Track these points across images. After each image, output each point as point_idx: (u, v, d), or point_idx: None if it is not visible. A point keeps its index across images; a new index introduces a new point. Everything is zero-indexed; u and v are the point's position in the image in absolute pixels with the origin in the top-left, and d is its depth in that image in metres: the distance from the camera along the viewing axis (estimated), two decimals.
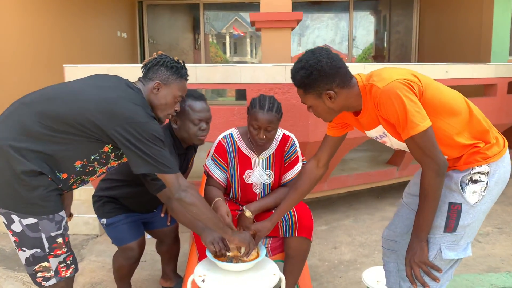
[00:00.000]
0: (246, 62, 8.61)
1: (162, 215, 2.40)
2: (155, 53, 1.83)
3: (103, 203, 2.25)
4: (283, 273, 2.15)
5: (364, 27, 8.20)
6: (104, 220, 2.25)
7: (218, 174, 2.22)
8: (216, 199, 2.08)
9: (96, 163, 1.66)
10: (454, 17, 6.07)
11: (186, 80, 1.83)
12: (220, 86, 3.21)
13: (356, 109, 1.66)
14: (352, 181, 3.81)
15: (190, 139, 2.15)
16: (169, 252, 2.53)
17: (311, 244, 2.20)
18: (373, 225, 3.71)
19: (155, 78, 1.75)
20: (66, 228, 1.66)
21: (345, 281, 2.74)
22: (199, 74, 3.01)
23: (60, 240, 1.60)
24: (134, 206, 2.28)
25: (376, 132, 1.69)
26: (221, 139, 2.24)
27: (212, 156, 2.24)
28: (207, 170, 2.24)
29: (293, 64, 1.59)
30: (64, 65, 2.99)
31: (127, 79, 1.74)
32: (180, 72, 1.78)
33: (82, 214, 3.39)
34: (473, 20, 5.52)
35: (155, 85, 1.74)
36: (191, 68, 3.06)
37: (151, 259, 2.96)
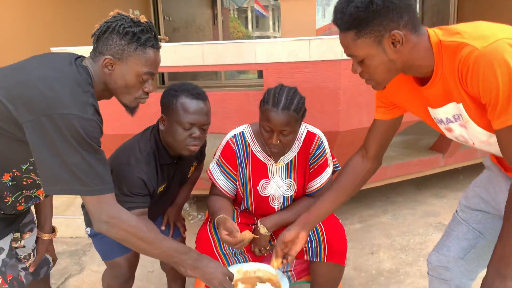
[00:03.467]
0: (268, 37, 8.10)
1: (163, 227, 1.99)
2: (111, 13, 1.32)
3: None
4: None
5: None
6: (88, 230, 1.87)
7: (224, 184, 1.78)
8: (221, 215, 1.64)
9: (32, 174, 1.23)
10: None
11: (156, 48, 1.30)
12: (232, 68, 2.74)
13: (422, 72, 1.16)
14: (390, 173, 3.30)
15: (176, 147, 1.68)
16: (174, 270, 2.11)
17: (344, 269, 1.74)
18: (415, 222, 3.20)
19: (105, 52, 1.25)
20: (10, 264, 1.26)
21: None
22: (206, 53, 2.53)
23: None
24: None
25: (446, 113, 1.19)
26: (230, 139, 1.77)
27: (217, 160, 1.79)
28: (211, 177, 1.80)
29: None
30: (51, 48, 2.58)
31: (81, 56, 1.28)
32: (140, 38, 1.25)
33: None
34: None
35: (105, 61, 1.24)
36: (196, 46, 2.59)
37: (158, 268, 2.57)
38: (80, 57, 1.28)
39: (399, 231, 3.07)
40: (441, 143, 3.58)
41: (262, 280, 1.53)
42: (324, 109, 2.58)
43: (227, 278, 1.37)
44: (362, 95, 2.66)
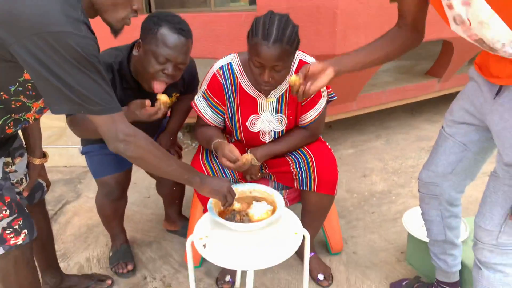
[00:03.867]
0: None
1: None
2: None
3: None
4: None
5: None
6: (80, 147, 1.89)
7: (211, 117, 1.70)
8: (215, 140, 1.60)
9: (22, 96, 1.16)
10: None
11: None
12: None
13: None
14: (385, 98, 3.26)
15: (142, 78, 1.57)
16: (171, 194, 2.15)
17: (334, 198, 1.76)
18: (408, 147, 3.23)
19: None
20: (6, 187, 1.25)
21: (378, 217, 2.35)
22: None
23: None
24: None
25: None
26: (217, 71, 1.64)
27: (204, 92, 1.68)
28: (197, 110, 1.71)
29: None
30: None
31: None
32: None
33: (77, 144, 3.00)
34: None
35: None
36: None
37: (155, 194, 2.59)
38: None
39: (392, 155, 3.10)
40: (438, 68, 3.51)
41: (258, 200, 1.54)
42: (319, 30, 2.47)
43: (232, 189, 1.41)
44: (360, 15, 2.53)
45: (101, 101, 1.06)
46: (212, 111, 1.69)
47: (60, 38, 0.96)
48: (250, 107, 1.67)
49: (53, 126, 2.92)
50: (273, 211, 1.48)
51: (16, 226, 1.27)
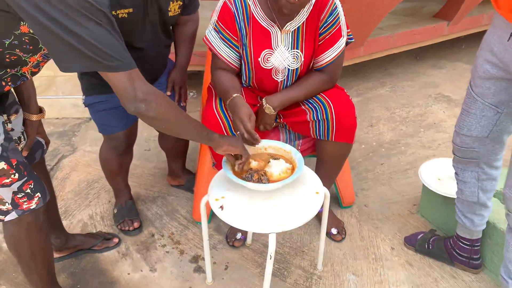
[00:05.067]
0: None
1: (169, 93, 1.82)
2: None
3: (81, 75, 1.70)
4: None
5: None
6: (83, 98, 1.73)
7: (226, 53, 1.56)
8: (234, 95, 1.46)
9: (18, 50, 1.01)
10: None
11: None
12: None
13: None
14: (393, 43, 3.10)
15: None
16: (175, 148, 2.04)
17: (351, 147, 1.67)
18: (414, 94, 3.13)
19: None
20: (11, 148, 1.13)
21: (388, 169, 2.30)
22: None
23: (1, 165, 1.10)
24: None
25: None
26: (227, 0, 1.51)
27: (215, 24, 1.53)
28: (210, 46, 1.56)
29: None
30: None
31: None
32: None
33: (68, 95, 2.83)
34: None
35: None
36: None
37: (156, 147, 2.49)
38: None
39: (399, 103, 3.00)
40: (448, 10, 3.33)
41: (274, 157, 1.45)
42: None
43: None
44: None
45: (118, 56, 0.92)
46: (226, 45, 1.54)
47: None
48: (264, 40, 1.53)
49: (40, 75, 2.72)
50: (292, 169, 1.39)
51: (28, 190, 1.18)
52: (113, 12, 1.42)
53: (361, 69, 3.54)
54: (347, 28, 1.59)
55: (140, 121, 1.71)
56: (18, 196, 1.16)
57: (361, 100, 3.07)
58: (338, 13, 1.51)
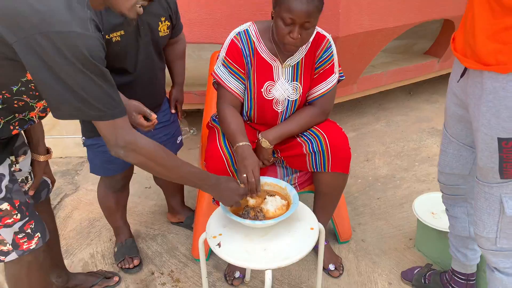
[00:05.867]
0: None
1: (173, 111, 1.94)
2: None
3: None
4: (313, 210, 1.73)
5: None
6: (83, 139, 1.79)
7: (234, 86, 1.65)
8: (241, 144, 1.54)
9: (25, 96, 1.09)
10: None
11: None
12: None
13: None
14: (386, 80, 3.21)
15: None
16: (170, 184, 2.08)
17: (347, 177, 1.72)
18: (408, 128, 3.21)
19: None
20: (15, 190, 1.19)
21: (384, 203, 2.34)
22: None
23: (5, 206, 1.16)
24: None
25: None
26: (234, 37, 1.62)
27: (223, 60, 1.64)
28: (219, 80, 1.66)
29: None
30: None
31: None
32: None
33: (72, 135, 2.92)
34: None
35: None
36: None
37: (155, 185, 2.54)
38: None
39: (393, 138, 3.07)
40: (437, 47, 3.47)
41: (270, 194, 1.50)
42: (322, 12, 2.38)
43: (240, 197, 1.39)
44: None
45: (102, 106, 1.00)
46: (234, 78, 1.64)
47: (67, 39, 0.90)
48: (266, 73, 1.65)
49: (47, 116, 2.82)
50: (287, 205, 1.44)
51: (29, 230, 1.22)
52: (107, 36, 1.50)
53: (356, 105, 3.64)
54: (339, 67, 1.70)
55: None
56: (18, 236, 1.21)
57: (357, 135, 3.14)
58: (332, 51, 1.64)
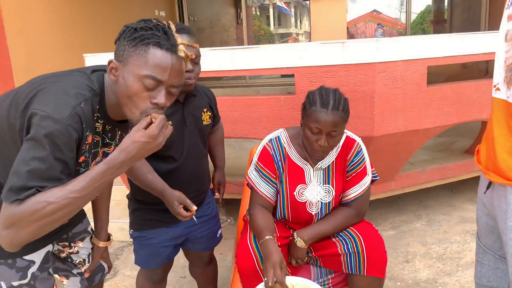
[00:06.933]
0: (291, 34, 8.16)
1: (218, 195, 2.05)
2: None
3: (133, 210, 1.83)
4: None
5: None
6: (131, 231, 1.85)
7: (265, 190, 1.74)
8: (267, 237, 1.59)
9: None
10: None
11: (163, 48, 1.04)
12: (262, 72, 2.68)
13: None
14: (425, 178, 3.20)
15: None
16: (205, 275, 2.11)
17: (383, 282, 1.68)
18: (451, 229, 3.09)
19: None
20: (41, 277, 1.24)
21: None
22: (237, 58, 2.50)
23: None
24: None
25: None
26: (266, 144, 1.75)
27: (255, 165, 1.76)
28: (252, 184, 1.76)
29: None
30: (84, 54, 2.60)
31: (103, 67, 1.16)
32: (142, 36, 1.03)
33: (116, 219, 3.07)
34: None
35: (110, 65, 1.07)
36: (227, 51, 2.56)
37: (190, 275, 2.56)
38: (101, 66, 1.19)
39: (435, 238, 2.97)
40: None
41: None
42: (359, 114, 2.51)
43: None
44: (397, 99, 2.58)
45: (13, 184, 0.96)
46: (265, 182, 1.73)
47: (42, 118, 0.97)
48: (298, 176, 1.72)
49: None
50: None
51: None
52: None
53: (395, 201, 3.59)
54: (372, 167, 1.76)
55: (180, 252, 1.85)
56: None
57: (396, 233, 3.07)
58: (363, 154, 1.71)
